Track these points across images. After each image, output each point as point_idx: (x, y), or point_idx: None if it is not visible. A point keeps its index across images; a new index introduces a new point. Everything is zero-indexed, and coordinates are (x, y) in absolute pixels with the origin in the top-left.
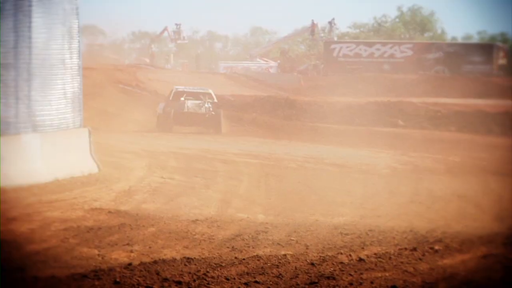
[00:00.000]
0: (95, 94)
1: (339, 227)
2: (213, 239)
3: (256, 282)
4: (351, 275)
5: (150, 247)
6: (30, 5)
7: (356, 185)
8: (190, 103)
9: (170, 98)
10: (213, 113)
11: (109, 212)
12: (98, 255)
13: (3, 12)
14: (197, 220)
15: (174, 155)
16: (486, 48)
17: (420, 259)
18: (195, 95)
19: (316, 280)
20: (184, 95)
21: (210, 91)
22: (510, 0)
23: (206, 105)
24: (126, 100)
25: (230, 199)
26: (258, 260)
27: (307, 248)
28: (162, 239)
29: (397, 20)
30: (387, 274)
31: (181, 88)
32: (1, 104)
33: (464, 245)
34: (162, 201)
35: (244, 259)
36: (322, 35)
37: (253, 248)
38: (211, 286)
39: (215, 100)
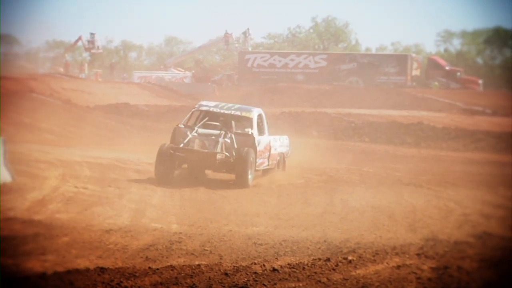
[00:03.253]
0: (9, 104)
1: (253, 237)
2: (127, 249)
3: None
4: (265, 285)
5: (63, 257)
6: None
7: (270, 195)
8: (197, 135)
9: (183, 123)
10: (226, 153)
11: (23, 221)
12: (13, 264)
13: None
14: (110, 230)
15: (88, 165)
16: (400, 59)
17: (333, 269)
18: (224, 119)
19: None
20: (206, 118)
21: (253, 114)
22: (423, 12)
23: (222, 139)
24: (40, 110)
25: (144, 209)
26: (172, 270)
27: (221, 258)
28: (76, 249)
29: (311, 31)
30: (300, 285)
31: (207, 105)
32: None
33: (377, 256)
34: (76, 211)
35: (158, 269)
36: (237, 45)
37: (167, 258)
38: None
39: (252, 131)
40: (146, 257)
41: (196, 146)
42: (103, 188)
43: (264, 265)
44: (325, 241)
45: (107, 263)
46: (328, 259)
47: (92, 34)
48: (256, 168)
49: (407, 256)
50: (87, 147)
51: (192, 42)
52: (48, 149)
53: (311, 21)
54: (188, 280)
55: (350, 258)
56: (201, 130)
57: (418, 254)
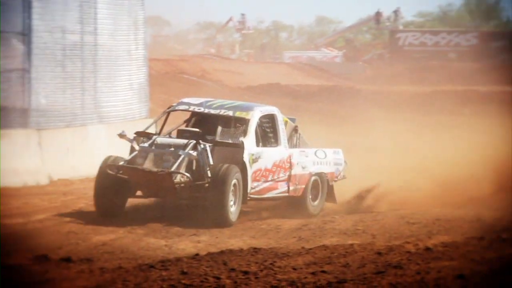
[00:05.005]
0: (161, 85)
1: (406, 216)
2: (280, 229)
3: (323, 271)
4: (418, 264)
5: (217, 237)
6: None
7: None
8: (149, 147)
9: (123, 132)
10: (187, 174)
11: None
12: (165, 245)
13: (68, 3)
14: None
15: None
16: None
17: (487, 247)
18: (212, 122)
19: (383, 270)
20: (185, 123)
21: (251, 114)
22: None
23: (185, 152)
24: (192, 91)
25: None
26: (325, 249)
27: (373, 238)
28: (229, 230)
29: (462, 8)
30: (454, 263)
31: (187, 104)
32: (67, 95)
33: None
34: None
35: (311, 249)
36: (388, 24)
37: (319, 237)
38: (278, 275)
39: (244, 139)
40: (299, 237)
41: (147, 163)
42: None
43: (417, 244)
44: (478, 219)
45: (260, 243)
46: (481, 238)
47: (242, 14)
48: (252, 196)
49: None
50: None
51: (343, 22)
52: None
53: None
54: (342, 260)
55: (504, 236)
56: (160, 140)
57: None
